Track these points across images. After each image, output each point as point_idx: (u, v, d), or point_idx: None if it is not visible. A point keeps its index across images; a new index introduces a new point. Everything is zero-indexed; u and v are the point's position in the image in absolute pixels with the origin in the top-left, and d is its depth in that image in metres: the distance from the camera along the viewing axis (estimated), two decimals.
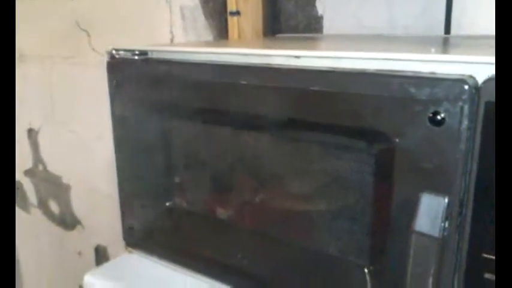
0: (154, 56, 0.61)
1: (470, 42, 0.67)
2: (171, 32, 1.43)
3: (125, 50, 0.62)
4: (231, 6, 1.20)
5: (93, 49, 1.65)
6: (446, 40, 0.74)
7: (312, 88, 0.46)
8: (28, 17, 1.77)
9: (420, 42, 0.66)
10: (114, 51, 0.63)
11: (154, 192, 0.69)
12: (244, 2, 1.21)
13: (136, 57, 0.61)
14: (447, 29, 0.84)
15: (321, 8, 1.11)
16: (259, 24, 1.21)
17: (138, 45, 0.63)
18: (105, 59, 0.64)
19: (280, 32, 1.18)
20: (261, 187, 0.57)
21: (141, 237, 0.71)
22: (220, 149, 0.59)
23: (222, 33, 1.30)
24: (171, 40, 1.43)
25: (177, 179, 0.65)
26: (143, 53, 0.62)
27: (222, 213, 0.62)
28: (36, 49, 1.83)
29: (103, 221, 1.82)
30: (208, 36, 1.34)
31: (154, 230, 0.70)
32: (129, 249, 0.73)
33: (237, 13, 1.21)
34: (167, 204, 0.67)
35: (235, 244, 0.61)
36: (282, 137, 0.52)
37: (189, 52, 0.59)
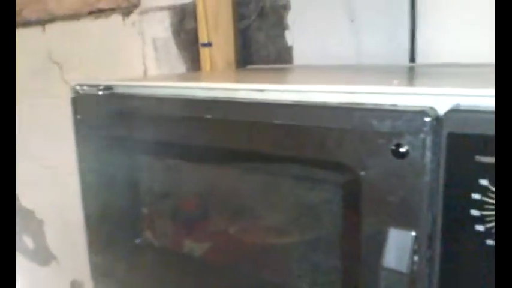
0: (119, 90, 0.60)
1: (435, 71, 0.68)
2: (144, 64, 1.43)
3: (89, 85, 0.61)
4: (203, 37, 1.20)
5: (66, 82, 1.63)
6: (411, 69, 0.75)
7: (275, 122, 0.45)
8: None
9: (385, 72, 0.67)
10: (78, 87, 0.61)
11: (123, 228, 0.66)
12: (215, 34, 1.21)
13: (100, 93, 0.60)
14: (412, 57, 0.86)
15: (290, 38, 1.12)
16: (230, 55, 1.21)
17: (103, 80, 0.62)
18: (69, 94, 0.62)
19: (251, 62, 1.19)
20: (231, 221, 0.55)
21: (109, 275, 0.69)
22: (189, 184, 0.58)
23: (194, 63, 1.30)
24: (144, 72, 1.43)
25: (145, 216, 0.63)
26: (108, 88, 0.61)
27: (193, 249, 0.60)
28: None
29: (78, 255, 1.76)
30: (182, 67, 1.34)
31: (122, 267, 0.67)
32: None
33: (209, 44, 1.22)
34: (136, 241, 0.65)
35: (208, 282, 0.59)
36: (249, 170, 0.52)
37: (154, 87, 0.58)
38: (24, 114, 1.79)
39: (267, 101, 0.47)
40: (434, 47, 0.88)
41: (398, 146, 0.38)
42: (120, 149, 0.60)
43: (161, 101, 0.54)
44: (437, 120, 0.38)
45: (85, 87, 0.61)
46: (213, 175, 0.55)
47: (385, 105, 0.40)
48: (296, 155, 0.44)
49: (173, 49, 1.35)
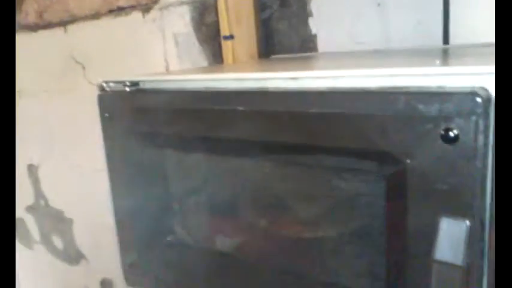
0: (146, 86, 0.59)
1: (472, 51, 0.64)
2: (166, 60, 1.42)
3: (116, 82, 0.60)
4: (224, 30, 1.19)
5: (89, 82, 1.64)
6: (446, 51, 0.71)
7: (311, 110, 0.43)
8: (24, 53, 1.77)
9: (420, 55, 0.64)
10: (104, 84, 0.60)
11: (154, 226, 0.65)
12: (237, 26, 1.20)
13: (127, 89, 0.58)
14: (445, 39, 0.82)
15: (314, 26, 1.09)
16: (253, 47, 1.19)
17: (129, 76, 0.61)
18: (96, 91, 0.61)
19: (274, 53, 1.16)
20: (265, 216, 0.53)
21: (142, 274, 0.68)
22: (220, 178, 0.56)
23: (216, 58, 1.29)
24: (166, 68, 1.42)
25: (176, 212, 0.62)
26: (134, 83, 0.60)
27: (225, 245, 0.59)
28: (33, 84, 1.83)
29: (108, 254, 1.78)
30: (203, 61, 1.33)
31: (155, 266, 0.67)
32: None
33: (231, 37, 1.20)
34: (168, 238, 0.64)
35: (241, 279, 0.57)
36: (285, 163, 0.49)
37: (181, 80, 0.56)
38: (50, 115, 1.81)
39: (301, 89, 0.45)
40: (464, 28, 0.84)
41: (448, 130, 0.36)
42: (149, 145, 0.59)
43: (190, 94, 0.53)
44: (489, 101, 0.35)
45: (111, 84, 0.59)
46: (246, 169, 0.53)
47: (431, 87, 0.38)
48: (335, 145, 0.42)
49: (194, 44, 1.34)
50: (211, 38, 1.28)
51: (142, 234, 0.66)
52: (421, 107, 0.36)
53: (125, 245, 0.68)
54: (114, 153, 0.62)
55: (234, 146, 0.51)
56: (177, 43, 1.38)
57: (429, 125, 0.36)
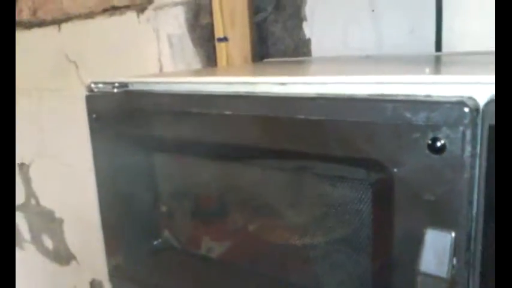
0: (134, 87, 0.58)
1: (463, 59, 0.64)
2: (160, 61, 1.41)
3: (104, 83, 0.59)
4: (219, 32, 1.18)
5: (82, 81, 1.63)
6: (438, 58, 0.71)
7: (299, 116, 0.43)
8: (17, 50, 1.75)
9: (411, 62, 0.64)
10: (92, 85, 0.59)
11: (141, 229, 0.65)
12: (231, 28, 1.19)
13: (115, 90, 0.58)
14: (438, 46, 0.82)
15: (308, 30, 1.09)
16: (247, 50, 1.19)
17: (118, 78, 0.60)
18: (84, 93, 0.61)
19: (268, 56, 1.16)
20: (252, 221, 0.53)
21: (127, 277, 0.67)
22: (208, 182, 0.56)
23: (210, 60, 1.28)
24: (160, 69, 1.41)
25: (163, 216, 0.61)
26: (123, 85, 0.59)
27: (213, 250, 0.58)
28: (26, 82, 1.81)
29: (98, 254, 1.77)
30: (197, 63, 1.32)
31: (141, 269, 0.66)
32: None
33: (225, 39, 1.20)
34: (155, 242, 0.63)
35: (228, 283, 0.57)
36: (271, 168, 0.49)
37: (170, 83, 0.56)
38: (43, 113, 1.80)
39: (289, 95, 0.44)
40: (457, 35, 0.84)
41: (435, 140, 0.35)
42: (137, 147, 0.58)
43: (178, 97, 0.52)
44: (477, 111, 0.35)
45: (100, 85, 0.59)
46: (233, 173, 0.52)
47: (418, 95, 0.37)
48: (321, 152, 0.42)
49: (188, 45, 1.33)
50: (205, 40, 1.27)
51: (129, 237, 0.65)
52: (408, 115, 0.36)
53: (110, 248, 0.67)
54: (101, 155, 0.61)
55: (221, 150, 0.50)
56: (171, 44, 1.37)
57: (416, 134, 0.36)
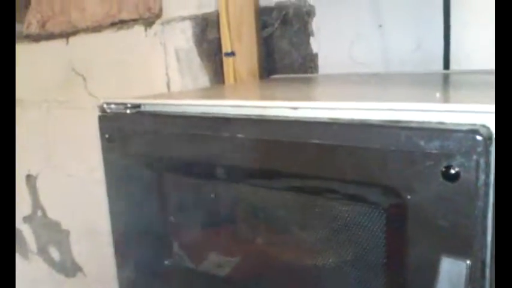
0: (147, 108, 0.59)
1: (473, 80, 0.64)
2: (167, 74, 1.43)
3: (117, 104, 0.60)
4: (226, 47, 1.19)
5: (89, 93, 1.64)
6: (447, 78, 0.71)
7: (311, 141, 0.43)
8: (26, 63, 1.77)
9: (421, 82, 0.64)
10: (105, 105, 0.60)
11: (152, 249, 0.65)
12: (238, 43, 1.20)
13: (128, 111, 0.58)
14: (446, 64, 0.82)
15: (315, 46, 1.10)
16: (254, 65, 1.20)
17: (130, 98, 0.61)
18: (97, 112, 0.61)
19: (275, 71, 1.17)
20: (264, 243, 0.53)
21: None
22: (220, 204, 0.56)
23: (217, 74, 1.29)
24: (167, 83, 1.42)
25: (175, 236, 0.62)
26: (135, 106, 0.60)
27: (225, 271, 0.58)
28: (34, 94, 1.83)
29: (105, 266, 1.77)
30: (204, 77, 1.33)
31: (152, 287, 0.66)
32: None
33: (232, 54, 1.21)
34: (166, 262, 0.63)
35: None
36: (283, 191, 0.49)
37: (182, 105, 0.57)
38: (51, 125, 1.81)
39: (301, 119, 0.44)
40: (465, 52, 0.84)
41: (449, 167, 0.35)
42: (149, 167, 0.59)
43: (190, 119, 0.53)
44: (490, 139, 0.35)
45: (112, 106, 0.59)
46: (245, 195, 0.53)
47: (431, 123, 0.38)
48: (334, 176, 0.42)
49: (196, 59, 1.34)
50: (212, 54, 1.28)
51: (140, 256, 0.65)
52: (422, 143, 0.36)
53: (122, 266, 0.67)
54: (113, 174, 0.62)
55: (233, 172, 0.50)
56: (178, 58, 1.38)
57: (430, 162, 0.36)
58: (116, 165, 0.61)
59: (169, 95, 0.85)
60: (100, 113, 0.61)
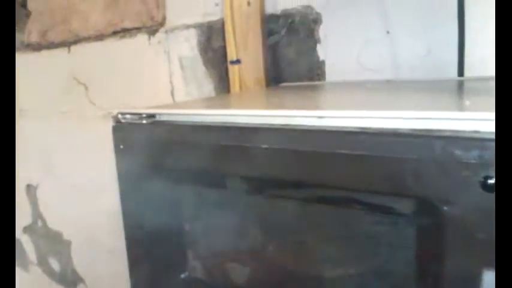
0: (162, 118, 0.58)
1: (492, 86, 0.63)
2: (171, 83, 1.42)
3: (132, 114, 0.59)
4: (231, 55, 1.19)
5: (91, 102, 1.63)
6: (463, 84, 0.70)
7: (339, 151, 0.42)
8: (27, 72, 1.76)
9: (441, 89, 0.63)
10: (120, 115, 0.59)
11: (167, 261, 0.63)
12: (244, 50, 1.20)
13: (144, 121, 0.57)
14: (460, 70, 0.81)
15: (322, 53, 1.09)
16: (260, 73, 1.19)
17: (145, 108, 0.60)
18: (111, 123, 0.60)
19: (281, 78, 1.16)
20: (287, 256, 0.52)
21: None
22: (240, 216, 0.55)
23: (222, 82, 1.28)
24: (171, 91, 1.41)
25: (191, 249, 0.60)
26: (150, 115, 0.58)
27: (243, 285, 0.57)
28: (35, 104, 1.82)
29: (106, 277, 1.75)
30: (209, 85, 1.32)
31: None
32: None
33: (238, 62, 1.20)
34: (182, 276, 0.62)
35: None
36: (309, 202, 0.48)
37: (200, 114, 0.55)
38: (50, 135, 1.79)
39: (329, 128, 0.44)
40: (477, 58, 0.83)
41: (487, 177, 0.34)
42: (165, 178, 0.58)
43: (211, 129, 0.52)
44: None
45: (127, 116, 0.58)
46: (269, 207, 0.51)
47: (466, 131, 0.37)
48: (366, 188, 0.41)
49: (200, 68, 1.33)
50: (217, 62, 1.28)
51: (155, 269, 0.64)
52: (458, 152, 0.35)
53: (136, 279, 0.66)
54: (128, 185, 0.61)
55: (256, 183, 0.49)
56: (182, 66, 1.37)
57: (467, 172, 0.35)
58: (130, 176, 0.60)
59: (183, 104, 0.84)
60: (114, 123, 0.60)
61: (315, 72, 1.12)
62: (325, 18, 1.07)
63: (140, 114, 0.58)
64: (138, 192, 0.60)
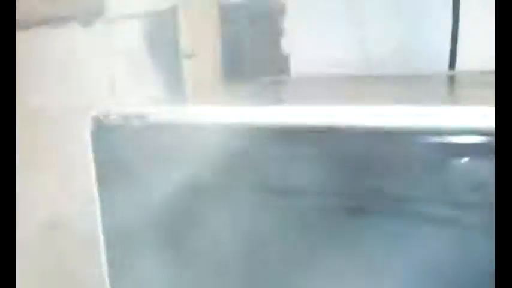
0: (159, 120, 0.48)
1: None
2: (110, 76, 1.28)
3: (117, 115, 0.48)
4: (185, 48, 1.09)
5: (20, 102, 1.43)
6: (470, 78, 0.68)
7: (399, 153, 0.36)
8: None
9: (447, 83, 0.60)
10: (101, 117, 0.48)
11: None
12: (199, 43, 1.11)
13: (134, 123, 0.47)
14: (452, 64, 0.79)
15: (287, 46, 1.04)
16: (217, 67, 1.12)
17: (132, 106, 0.50)
18: (88, 127, 0.49)
19: (240, 73, 1.09)
20: (332, 271, 0.44)
21: None
22: (273, 231, 0.46)
23: (172, 77, 1.18)
24: (112, 88, 1.28)
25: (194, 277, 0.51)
26: (140, 116, 0.48)
27: None
28: None
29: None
30: (157, 82, 1.21)
31: None
32: None
33: (192, 56, 1.11)
34: None
35: None
36: (353, 213, 0.42)
37: (202, 114, 0.47)
38: None
39: (386, 129, 0.37)
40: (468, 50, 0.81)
41: None
42: (165, 192, 0.48)
43: (224, 130, 0.43)
44: None
45: (112, 117, 0.48)
46: (306, 219, 0.44)
47: None
48: (438, 196, 0.36)
49: (146, 60, 1.22)
50: (168, 56, 1.17)
51: None
52: None
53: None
54: (112, 207, 0.50)
55: (292, 192, 0.42)
56: (126, 61, 1.24)
57: None
58: (116, 193, 0.49)
59: (185, 102, 0.73)
60: (93, 127, 0.49)
61: (278, 66, 1.06)
62: (290, 9, 1.01)
63: (127, 115, 0.48)
64: (124, 206, 0.50)
